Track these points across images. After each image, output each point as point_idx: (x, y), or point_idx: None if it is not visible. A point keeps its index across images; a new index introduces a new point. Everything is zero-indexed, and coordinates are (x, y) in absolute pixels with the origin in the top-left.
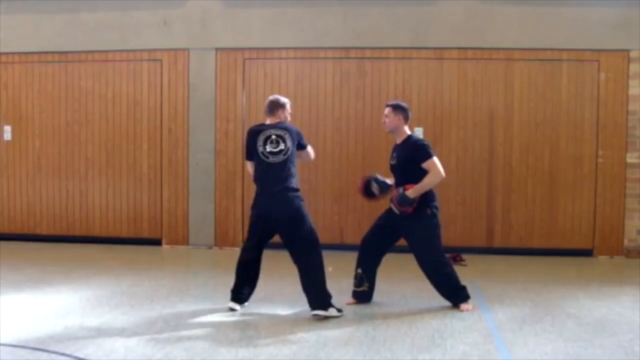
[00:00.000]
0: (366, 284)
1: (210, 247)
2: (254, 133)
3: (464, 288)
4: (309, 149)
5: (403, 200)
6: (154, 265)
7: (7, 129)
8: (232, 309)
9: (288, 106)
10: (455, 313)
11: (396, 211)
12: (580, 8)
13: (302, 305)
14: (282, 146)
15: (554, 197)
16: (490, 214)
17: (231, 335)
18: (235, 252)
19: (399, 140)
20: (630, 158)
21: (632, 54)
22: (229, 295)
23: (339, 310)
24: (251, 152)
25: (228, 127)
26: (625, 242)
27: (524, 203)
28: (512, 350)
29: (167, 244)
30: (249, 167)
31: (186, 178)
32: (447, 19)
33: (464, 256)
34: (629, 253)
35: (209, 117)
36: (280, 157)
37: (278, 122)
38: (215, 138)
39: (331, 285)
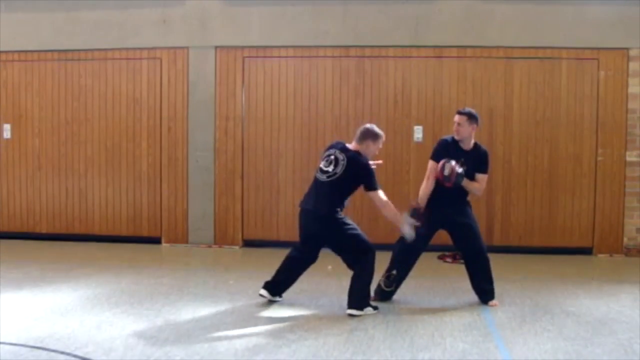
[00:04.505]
0: (394, 285)
1: (209, 246)
2: (327, 148)
3: (493, 284)
4: (380, 196)
5: (458, 181)
6: (154, 263)
7: (7, 127)
8: (261, 295)
9: (380, 140)
10: (455, 312)
11: (440, 171)
12: (579, 6)
13: (301, 304)
14: (330, 168)
15: (554, 195)
16: (490, 212)
17: (230, 334)
18: (235, 250)
19: (465, 147)
20: (630, 156)
21: (632, 52)
22: (228, 293)
23: (375, 308)
24: None
25: (228, 125)
26: (625, 240)
27: (523, 201)
28: (511, 349)
29: (167, 242)
30: None
31: (186, 176)
32: (446, 17)
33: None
34: (628, 251)
35: (209, 116)
36: (324, 178)
37: (354, 151)
38: (214, 136)
39: (331, 284)
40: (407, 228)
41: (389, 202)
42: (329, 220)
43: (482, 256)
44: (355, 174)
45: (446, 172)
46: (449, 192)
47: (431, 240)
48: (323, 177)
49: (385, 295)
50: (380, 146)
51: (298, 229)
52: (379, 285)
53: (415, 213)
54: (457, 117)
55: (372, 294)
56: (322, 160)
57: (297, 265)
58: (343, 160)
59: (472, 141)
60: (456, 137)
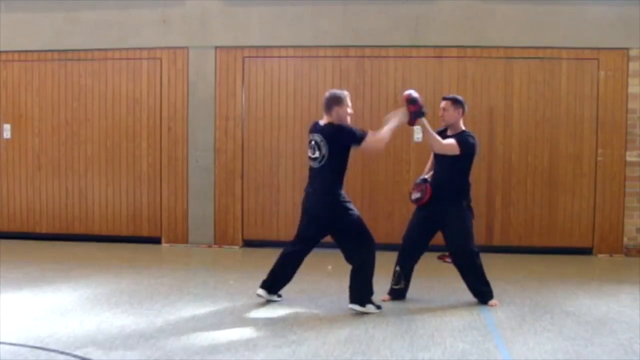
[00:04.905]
0: (403, 282)
1: (209, 246)
2: (308, 133)
3: (489, 284)
4: (369, 138)
5: (418, 110)
6: (154, 263)
7: (7, 127)
8: (259, 295)
9: (347, 99)
10: (455, 311)
11: (405, 93)
12: (579, 6)
13: (301, 304)
14: (317, 154)
15: (554, 195)
16: (490, 212)
17: (230, 334)
18: (235, 250)
19: (451, 132)
20: (630, 156)
21: (632, 52)
22: (227, 293)
23: (378, 307)
24: None
25: (227, 125)
26: (625, 240)
27: (523, 201)
28: (511, 349)
29: (167, 242)
30: None
31: (186, 176)
32: (446, 17)
33: None
34: (628, 251)
35: (209, 116)
36: (317, 164)
37: (326, 125)
38: (214, 136)
39: (331, 284)
40: (401, 115)
41: (378, 136)
42: (332, 198)
43: (470, 258)
44: (338, 141)
45: (413, 94)
46: (439, 184)
47: (432, 238)
48: (316, 164)
49: (396, 293)
50: (350, 104)
51: (301, 214)
52: (390, 285)
53: (422, 186)
54: (442, 103)
55: (382, 294)
56: (309, 149)
57: (292, 260)
58: (321, 140)
59: (462, 127)
60: (442, 123)
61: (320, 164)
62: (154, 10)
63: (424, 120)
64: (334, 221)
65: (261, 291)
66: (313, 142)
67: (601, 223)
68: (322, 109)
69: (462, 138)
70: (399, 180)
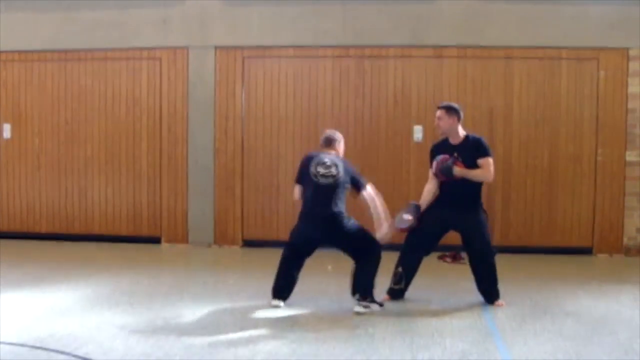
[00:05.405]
0: (403, 283)
1: (209, 245)
2: (309, 158)
3: (498, 284)
4: (370, 190)
5: (447, 171)
6: (153, 263)
7: (7, 127)
8: (276, 307)
9: (342, 142)
10: (455, 311)
11: (433, 169)
12: (579, 6)
13: (301, 304)
14: (333, 171)
15: (553, 195)
16: (490, 212)
17: (230, 334)
18: (234, 250)
19: (454, 141)
20: (630, 156)
21: (632, 52)
22: (227, 293)
23: (380, 305)
24: (302, 174)
25: (227, 125)
26: (625, 240)
27: (523, 201)
28: (511, 349)
29: (167, 242)
30: (296, 190)
31: (185, 176)
32: (446, 17)
33: (464, 255)
34: (628, 251)
35: (208, 116)
36: (330, 180)
37: (335, 153)
38: (214, 136)
39: (331, 284)
40: (387, 228)
41: (379, 198)
42: (341, 217)
43: (488, 258)
44: (349, 174)
45: (434, 169)
46: (455, 192)
47: (439, 241)
48: (329, 180)
49: (395, 293)
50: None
51: (304, 229)
52: (390, 285)
53: (413, 210)
54: (437, 112)
55: (382, 293)
56: (317, 167)
57: (294, 265)
58: (338, 162)
59: (462, 133)
60: (438, 132)
61: (335, 181)
62: (154, 10)
63: (457, 171)
64: (340, 235)
65: (276, 301)
66: (327, 160)
67: (601, 223)
68: (321, 110)
69: (479, 145)
70: (399, 180)
